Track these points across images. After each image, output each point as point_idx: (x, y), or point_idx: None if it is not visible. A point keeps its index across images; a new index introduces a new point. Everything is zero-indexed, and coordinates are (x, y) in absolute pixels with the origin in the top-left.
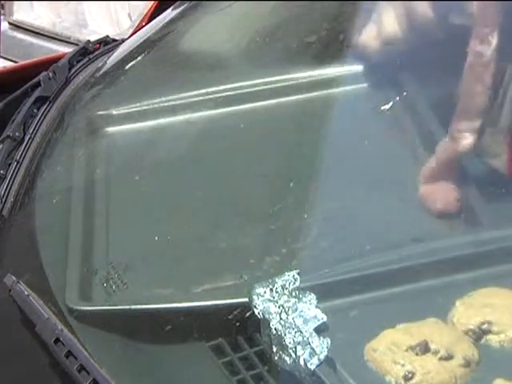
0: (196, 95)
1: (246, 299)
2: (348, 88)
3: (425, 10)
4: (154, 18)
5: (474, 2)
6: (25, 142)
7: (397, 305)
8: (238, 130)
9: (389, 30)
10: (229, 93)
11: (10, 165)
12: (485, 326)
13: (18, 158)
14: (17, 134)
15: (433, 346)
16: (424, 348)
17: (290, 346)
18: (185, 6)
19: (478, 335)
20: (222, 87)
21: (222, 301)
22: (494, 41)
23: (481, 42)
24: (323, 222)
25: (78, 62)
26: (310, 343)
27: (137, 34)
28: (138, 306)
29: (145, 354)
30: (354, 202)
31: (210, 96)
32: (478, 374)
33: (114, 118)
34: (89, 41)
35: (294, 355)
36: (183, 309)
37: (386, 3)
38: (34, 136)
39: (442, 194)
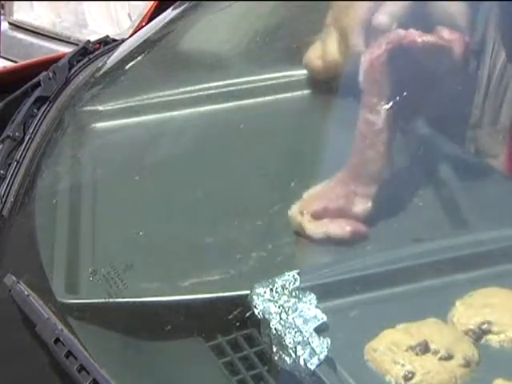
0: (196, 95)
1: (247, 291)
2: (348, 87)
3: (357, 41)
4: (154, 18)
5: (361, 74)
6: (25, 142)
7: (397, 305)
8: (237, 130)
9: (331, 53)
10: (230, 88)
11: (9, 165)
12: (485, 326)
13: (18, 158)
14: (17, 133)
15: (433, 346)
16: (424, 348)
17: (290, 345)
18: (185, 5)
19: (478, 335)
20: (222, 87)
21: (223, 293)
22: (383, 110)
23: (370, 111)
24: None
25: (78, 61)
26: (310, 343)
27: (137, 34)
28: (138, 306)
29: (145, 354)
30: None
31: (210, 95)
32: (477, 374)
33: (113, 117)
34: (89, 41)
35: (294, 355)
36: (183, 307)
37: (331, 26)
38: (34, 136)
39: (337, 226)
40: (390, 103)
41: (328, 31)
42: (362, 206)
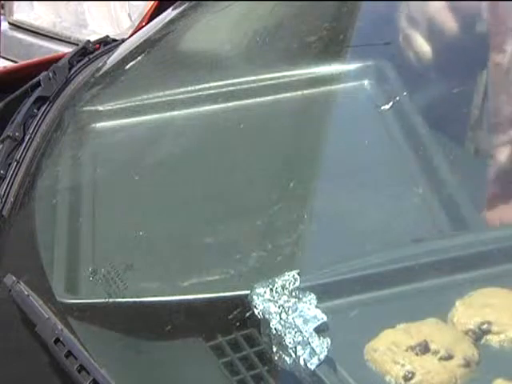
0: (196, 95)
1: (247, 291)
2: (349, 87)
3: (447, 19)
4: (154, 18)
5: (487, 12)
6: (25, 142)
7: (397, 305)
8: (237, 130)
9: (421, 45)
10: (230, 88)
11: (9, 165)
12: (485, 326)
13: (17, 158)
14: (17, 134)
15: (433, 346)
16: (424, 348)
17: (289, 346)
18: (185, 5)
19: (477, 335)
20: (222, 87)
21: (223, 293)
22: (509, 48)
23: (498, 52)
24: (323, 221)
25: (78, 62)
26: (310, 343)
27: (137, 34)
28: (138, 306)
29: (145, 354)
30: (355, 202)
31: (210, 95)
32: (477, 374)
33: (113, 117)
34: (89, 41)
35: (294, 355)
36: (183, 307)
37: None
38: (34, 136)
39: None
40: None
41: (408, 33)
42: (504, 154)
